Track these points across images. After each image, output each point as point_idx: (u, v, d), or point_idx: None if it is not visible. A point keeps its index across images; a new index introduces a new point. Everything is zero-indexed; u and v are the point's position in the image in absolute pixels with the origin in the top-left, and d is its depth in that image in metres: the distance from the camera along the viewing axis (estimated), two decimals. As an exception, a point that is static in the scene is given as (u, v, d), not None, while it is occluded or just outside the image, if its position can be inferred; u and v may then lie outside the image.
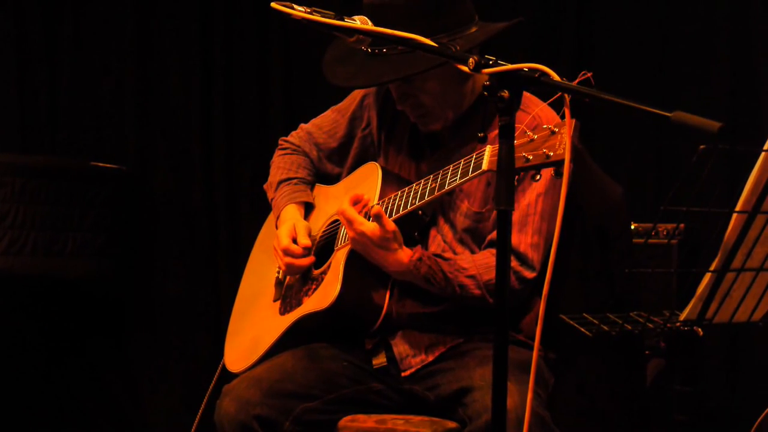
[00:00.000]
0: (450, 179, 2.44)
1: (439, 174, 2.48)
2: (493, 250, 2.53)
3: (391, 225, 2.50)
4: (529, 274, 2.55)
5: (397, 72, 2.51)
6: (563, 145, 2.01)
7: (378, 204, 2.58)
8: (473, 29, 2.58)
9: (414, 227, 2.62)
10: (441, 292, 2.56)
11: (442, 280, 2.53)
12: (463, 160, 2.41)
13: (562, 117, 1.96)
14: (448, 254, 2.59)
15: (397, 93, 2.65)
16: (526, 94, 2.10)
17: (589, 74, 1.96)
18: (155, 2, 4.54)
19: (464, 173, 2.40)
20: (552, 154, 2.03)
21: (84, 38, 4.57)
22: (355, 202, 2.60)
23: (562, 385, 2.74)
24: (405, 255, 2.52)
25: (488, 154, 2.33)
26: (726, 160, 3.55)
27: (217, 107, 4.47)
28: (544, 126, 2.07)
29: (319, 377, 2.62)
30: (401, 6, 2.49)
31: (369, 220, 2.52)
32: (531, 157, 2.06)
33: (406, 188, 2.57)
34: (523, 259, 2.54)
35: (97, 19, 4.56)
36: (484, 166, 2.33)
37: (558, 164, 2.03)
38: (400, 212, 2.55)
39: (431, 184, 2.49)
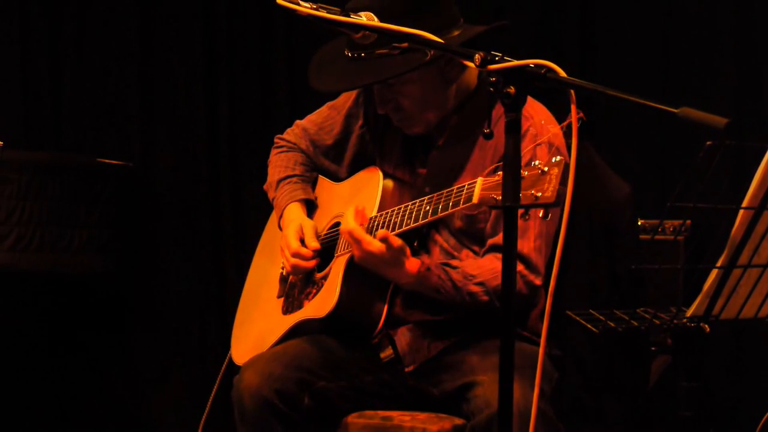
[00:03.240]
0: (442, 207, 2.43)
1: (433, 197, 2.47)
2: (498, 255, 2.52)
3: (397, 241, 2.48)
4: (537, 281, 2.55)
5: (377, 75, 2.51)
6: (552, 187, 1.99)
7: (377, 216, 2.59)
8: (455, 32, 2.57)
9: (412, 238, 2.62)
10: (450, 301, 2.56)
11: (451, 288, 2.54)
12: (455, 188, 2.40)
13: (567, 110, 1.96)
14: (454, 262, 2.59)
15: (378, 96, 2.65)
16: (528, 99, 2.08)
17: (581, 114, 1.94)
18: (159, 0, 4.54)
19: (455, 203, 2.39)
20: (540, 195, 2.00)
21: (88, 36, 4.56)
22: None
23: (567, 380, 2.74)
24: (413, 265, 2.52)
25: (479, 187, 2.32)
26: (733, 156, 3.54)
27: (221, 105, 4.46)
28: (534, 163, 2.03)
29: (333, 363, 2.63)
30: (379, 7, 2.43)
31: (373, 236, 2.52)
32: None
33: (402, 206, 2.56)
34: (528, 264, 2.54)
35: (100, 18, 4.56)
36: (474, 199, 2.32)
37: (546, 206, 2.01)
38: (396, 231, 2.54)
39: (425, 207, 2.49)
